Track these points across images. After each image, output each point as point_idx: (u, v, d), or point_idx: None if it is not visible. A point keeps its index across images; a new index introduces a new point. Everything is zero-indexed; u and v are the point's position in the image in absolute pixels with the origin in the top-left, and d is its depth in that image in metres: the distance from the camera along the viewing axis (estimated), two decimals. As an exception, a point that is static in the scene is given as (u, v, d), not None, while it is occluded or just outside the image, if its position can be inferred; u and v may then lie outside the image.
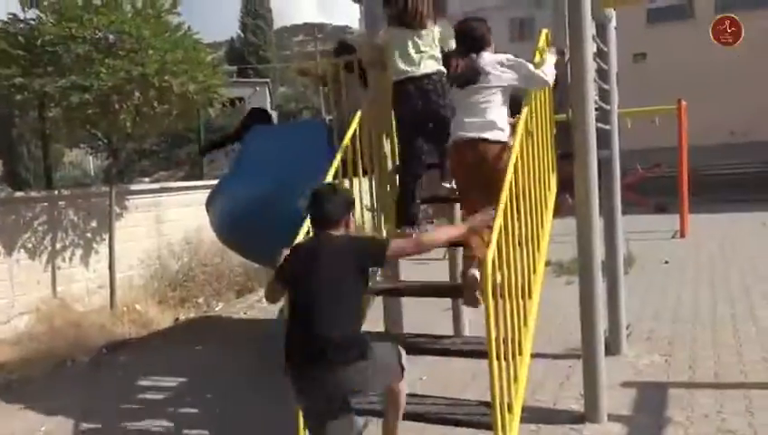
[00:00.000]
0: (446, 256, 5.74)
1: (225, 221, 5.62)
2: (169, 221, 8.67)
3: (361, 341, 2.67)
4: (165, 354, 5.92)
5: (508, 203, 2.90)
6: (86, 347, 6.02)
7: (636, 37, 17.22)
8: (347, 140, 3.74)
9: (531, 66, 3.40)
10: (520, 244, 3.09)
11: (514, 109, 3.50)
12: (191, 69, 6.93)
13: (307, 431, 2.93)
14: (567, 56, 3.77)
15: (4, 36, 6.44)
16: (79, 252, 7.43)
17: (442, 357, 4.68)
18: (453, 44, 3.62)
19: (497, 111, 3.37)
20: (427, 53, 3.58)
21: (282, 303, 3.78)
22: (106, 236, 7.43)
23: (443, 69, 3.60)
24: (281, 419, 3.66)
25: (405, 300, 4.39)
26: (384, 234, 3.96)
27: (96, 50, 6.50)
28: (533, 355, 4.57)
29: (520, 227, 3.11)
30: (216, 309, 7.71)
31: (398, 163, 4.06)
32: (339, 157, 3.63)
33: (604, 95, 4.67)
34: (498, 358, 2.61)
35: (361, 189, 3.88)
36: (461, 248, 5.45)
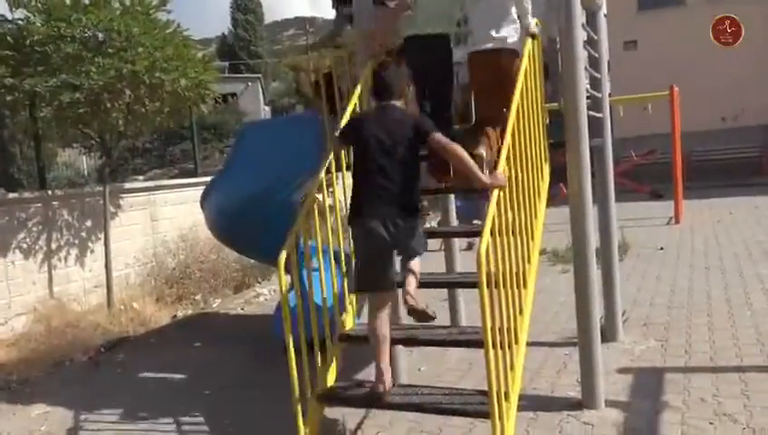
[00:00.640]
0: (442, 247, 5.75)
1: (219, 217, 5.62)
2: (164, 219, 8.66)
3: (415, 203, 3.19)
4: (163, 352, 5.93)
5: (502, 193, 2.91)
6: (84, 346, 6.02)
7: (627, 25, 17.25)
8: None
9: None
10: (514, 233, 3.10)
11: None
12: (182, 65, 6.90)
13: (303, 423, 2.94)
14: (558, 44, 3.79)
15: (-7, 37, 6.42)
16: (74, 252, 7.42)
17: (439, 347, 4.74)
18: None
19: (509, 23, 3.81)
20: None
21: (279, 300, 3.80)
22: (101, 236, 7.42)
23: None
24: (280, 415, 3.68)
25: (401, 292, 4.39)
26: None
27: (85, 48, 6.48)
28: (530, 344, 4.61)
29: (514, 217, 3.12)
30: (214, 305, 7.71)
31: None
32: (331, 150, 3.62)
33: (595, 83, 4.68)
34: (494, 347, 2.62)
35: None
36: (455, 241, 5.49)
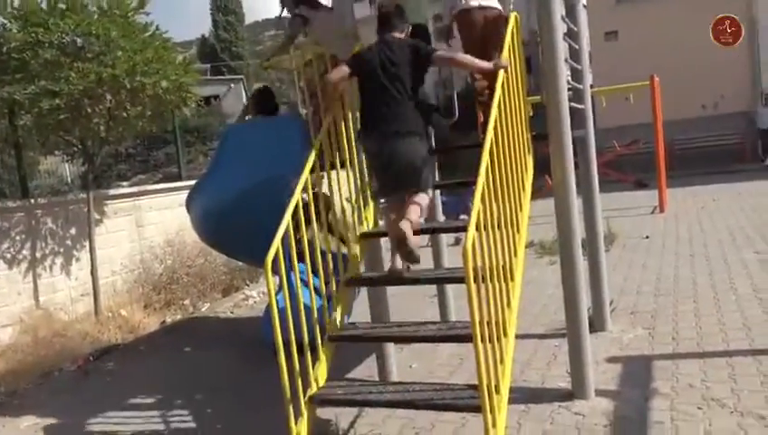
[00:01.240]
0: (430, 244, 5.76)
1: (205, 220, 5.59)
2: (150, 224, 8.60)
3: (418, 124, 3.45)
4: (153, 358, 5.89)
5: (486, 186, 2.92)
6: (72, 356, 5.96)
7: (607, 16, 17.36)
8: (324, 133, 3.73)
9: None
10: (500, 227, 3.11)
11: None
12: (162, 68, 6.85)
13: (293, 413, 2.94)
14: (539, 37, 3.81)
15: (-31, 46, 6.33)
16: (59, 260, 7.34)
17: (430, 344, 4.75)
18: None
19: None
20: None
21: (267, 302, 3.79)
22: (86, 243, 7.35)
23: None
24: (272, 418, 3.68)
25: (390, 289, 4.40)
26: (365, 226, 3.97)
27: (64, 54, 6.41)
28: (520, 336, 4.64)
29: (499, 210, 3.13)
30: (203, 310, 7.67)
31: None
32: (315, 149, 3.61)
33: (577, 75, 4.70)
34: (483, 341, 2.63)
35: (340, 181, 3.87)
36: (443, 236, 5.50)
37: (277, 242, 2.95)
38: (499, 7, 4.33)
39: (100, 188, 8.57)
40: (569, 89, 4.15)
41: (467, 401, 2.89)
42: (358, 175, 4.01)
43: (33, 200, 7.43)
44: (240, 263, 7.93)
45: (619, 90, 11.79)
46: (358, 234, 3.87)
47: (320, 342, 3.35)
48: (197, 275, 8.26)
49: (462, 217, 7.76)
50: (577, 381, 3.81)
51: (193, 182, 6.84)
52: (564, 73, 3.80)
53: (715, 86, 16.41)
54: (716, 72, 16.24)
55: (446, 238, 5.70)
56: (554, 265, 6.95)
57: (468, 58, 3.58)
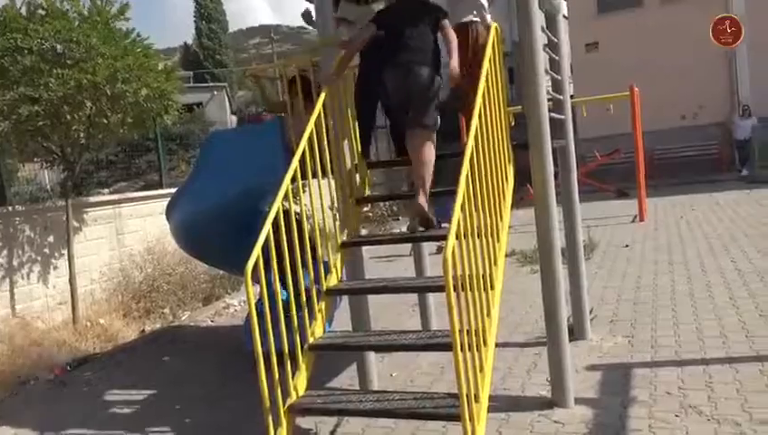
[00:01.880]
0: (412, 253, 5.77)
1: (185, 229, 5.55)
2: (130, 232, 8.52)
3: (433, 70, 3.78)
4: (131, 368, 5.82)
5: (466, 196, 2.93)
6: (49, 365, 5.87)
7: (588, 27, 17.60)
8: (304, 141, 3.72)
9: None
10: (480, 235, 3.13)
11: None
12: (143, 75, 6.81)
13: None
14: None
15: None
16: (37, 268, 7.25)
17: (411, 352, 4.75)
18: None
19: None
20: None
21: (246, 313, 3.78)
22: (65, 251, 7.27)
23: None
24: (252, 427, 3.65)
25: (373, 298, 4.40)
26: (345, 235, 3.96)
27: (43, 60, 6.35)
28: (501, 344, 4.66)
29: (479, 219, 3.15)
30: (183, 318, 7.61)
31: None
32: (297, 158, 3.60)
33: (557, 85, 4.75)
34: (463, 349, 2.64)
35: (321, 190, 3.87)
36: (424, 245, 5.51)
37: (257, 251, 2.94)
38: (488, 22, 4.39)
39: (80, 196, 8.49)
40: (549, 99, 4.19)
41: (447, 409, 2.90)
42: (339, 182, 4.01)
43: (11, 207, 7.34)
44: (221, 271, 7.89)
45: (600, 100, 11.94)
46: (338, 242, 3.87)
47: (300, 350, 3.34)
48: (178, 283, 8.20)
49: (444, 225, 7.78)
50: (557, 389, 3.83)
51: (174, 190, 6.80)
52: (545, 84, 3.84)
53: (693, 97, 16.67)
54: (695, 83, 16.51)
55: (427, 247, 5.71)
56: (535, 273, 6.98)
57: (455, 48, 3.78)
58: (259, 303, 3.61)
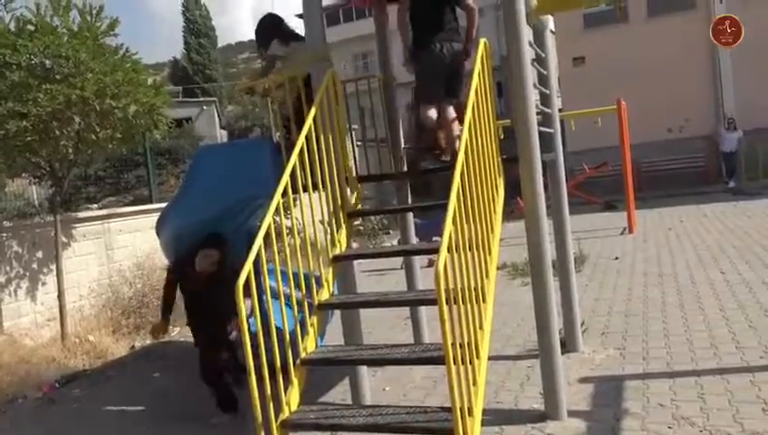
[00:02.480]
0: (403, 266, 5.76)
1: (175, 244, 5.52)
2: (119, 248, 8.46)
3: (459, 41, 4.30)
4: (121, 384, 5.76)
5: (457, 209, 2.94)
6: (38, 382, 5.80)
7: (574, 41, 17.79)
8: (295, 156, 3.72)
9: None
10: (471, 248, 3.13)
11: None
12: (132, 91, 6.80)
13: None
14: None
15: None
16: (25, 284, 7.18)
17: (404, 366, 4.73)
18: None
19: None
20: None
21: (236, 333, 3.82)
22: (53, 267, 7.20)
23: None
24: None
25: (365, 312, 4.39)
26: (338, 249, 3.96)
27: (32, 75, 6.33)
28: (494, 358, 4.66)
29: (470, 232, 3.16)
30: (173, 334, 7.54)
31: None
32: (288, 172, 3.60)
33: (545, 99, 4.79)
34: (456, 363, 2.63)
35: (313, 204, 3.86)
36: (416, 259, 5.52)
37: (248, 266, 2.93)
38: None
39: (69, 211, 8.43)
40: (538, 113, 4.23)
41: (441, 423, 2.88)
42: (330, 196, 4.01)
43: (-2, 223, 7.28)
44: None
45: (588, 114, 12.05)
46: (330, 256, 3.86)
47: (292, 365, 3.32)
48: (168, 298, 8.12)
49: (435, 239, 7.79)
50: (550, 402, 3.83)
51: (164, 205, 6.77)
52: (533, 98, 3.87)
53: (680, 110, 16.86)
54: (682, 96, 16.71)
55: (419, 260, 5.71)
56: (527, 286, 7.00)
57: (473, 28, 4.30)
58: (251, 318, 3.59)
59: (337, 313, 4.89)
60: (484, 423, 3.03)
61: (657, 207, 13.48)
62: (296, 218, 3.80)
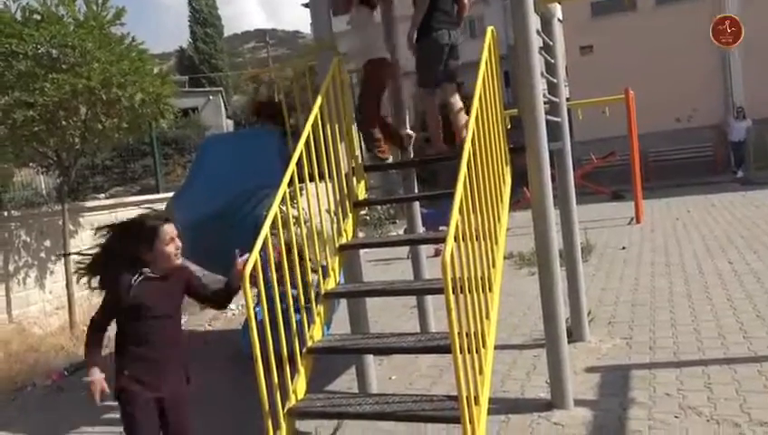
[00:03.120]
0: (409, 256, 5.76)
1: (182, 233, 5.53)
2: (127, 237, 8.49)
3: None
4: (129, 373, 5.79)
5: (464, 199, 2.93)
6: (47, 370, 5.85)
7: (582, 30, 17.66)
8: (301, 145, 3.72)
9: None
10: (478, 238, 3.13)
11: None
12: (138, 80, 6.80)
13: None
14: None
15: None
16: (33, 273, 7.22)
17: (410, 355, 4.75)
18: None
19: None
20: None
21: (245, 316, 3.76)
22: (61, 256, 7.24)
23: None
24: (251, 432, 3.64)
25: (371, 301, 4.40)
26: (344, 238, 3.96)
27: (38, 65, 6.34)
28: (500, 347, 4.66)
29: (477, 221, 3.15)
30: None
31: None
32: (294, 162, 3.60)
33: (553, 88, 4.76)
34: (462, 352, 2.63)
35: (319, 193, 3.86)
36: (422, 248, 5.51)
37: (255, 254, 2.94)
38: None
39: (76, 201, 8.47)
40: (545, 102, 4.20)
41: (447, 412, 2.89)
42: (337, 186, 4.01)
43: (6, 213, 7.31)
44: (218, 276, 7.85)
45: (595, 103, 11.98)
46: (336, 246, 3.87)
47: (299, 354, 3.33)
48: (174, 288, 8.16)
49: (442, 228, 7.78)
50: (556, 391, 3.83)
51: (170, 194, 6.78)
52: (540, 87, 3.85)
53: (688, 100, 16.73)
54: (690, 85, 16.58)
55: (425, 250, 5.71)
56: (533, 276, 6.98)
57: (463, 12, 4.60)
58: (257, 307, 3.61)
59: (343, 302, 4.90)
60: (490, 412, 3.04)
61: (665, 197, 13.41)
62: (303, 208, 3.80)
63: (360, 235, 4.06)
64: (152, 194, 9.60)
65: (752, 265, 6.73)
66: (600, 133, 15.23)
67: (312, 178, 3.79)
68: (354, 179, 4.22)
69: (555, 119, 4.66)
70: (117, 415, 4.68)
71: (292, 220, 3.59)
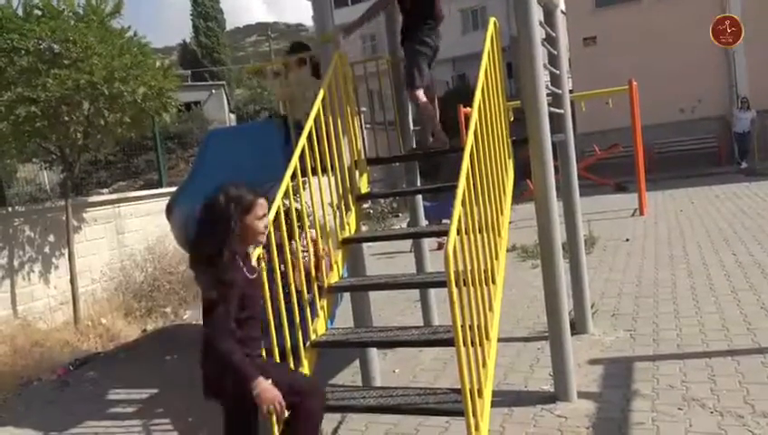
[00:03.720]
0: (412, 249, 5.77)
1: (185, 227, 5.54)
2: (131, 232, 8.51)
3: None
4: (133, 367, 5.82)
5: (467, 191, 2.93)
6: (52, 365, 5.87)
7: (585, 21, 17.59)
8: (303, 138, 3.71)
9: None
10: (481, 230, 3.12)
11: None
12: (141, 74, 6.80)
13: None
14: None
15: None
16: (38, 269, 7.24)
17: (413, 348, 4.76)
18: None
19: None
20: None
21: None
22: (65, 251, 7.26)
23: None
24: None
25: (374, 295, 4.40)
26: (347, 232, 3.96)
27: (40, 60, 6.33)
28: (504, 339, 4.67)
29: (480, 214, 3.15)
30: (185, 317, 7.61)
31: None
32: (297, 155, 3.60)
33: (555, 80, 4.74)
34: (465, 344, 2.64)
35: (322, 187, 3.86)
36: (425, 241, 5.51)
37: (259, 248, 2.94)
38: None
39: (79, 196, 8.48)
40: (548, 94, 4.19)
41: (450, 404, 2.90)
42: (340, 179, 4.00)
43: (10, 208, 7.32)
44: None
45: (598, 94, 11.93)
46: (339, 239, 3.87)
47: (302, 347, 3.34)
48: (179, 282, 8.19)
49: (444, 221, 7.78)
50: (560, 383, 3.83)
51: (174, 189, 6.79)
52: (543, 79, 3.83)
53: (692, 91, 16.67)
54: (694, 77, 16.51)
55: (428, 243, 5.71)
56: (537, 268, 6.98)
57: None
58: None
59: (347, 295, 4.91)
60: (493, 405, 3.04)
61: (669, 189, 13.37)
62: (306, 202, 3.80)
63: (364, 228, 4.05)
64: (155, 189, 9.61)
65: (756, 257, 6.71)
66: (604, 125, 15.20)
67: (314, 172, 3.79)
68: (357, 172, 4.21)
69: (558, 110, 4.64)
70: (122, 409, 4.74)
71: (294, 214, 3.59)
